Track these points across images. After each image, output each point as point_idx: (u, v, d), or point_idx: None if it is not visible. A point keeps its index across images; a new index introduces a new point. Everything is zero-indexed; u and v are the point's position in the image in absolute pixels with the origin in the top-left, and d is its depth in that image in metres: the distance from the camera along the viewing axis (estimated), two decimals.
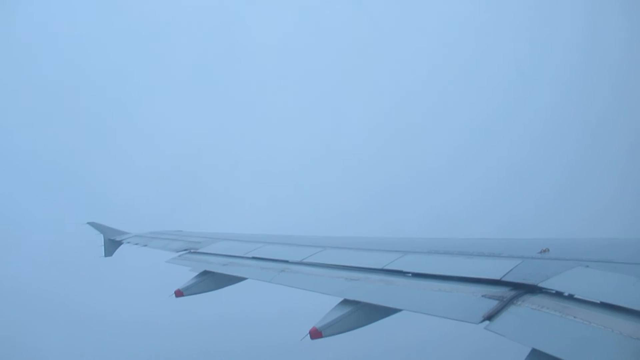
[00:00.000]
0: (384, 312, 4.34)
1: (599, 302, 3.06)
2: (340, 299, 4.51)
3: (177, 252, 7.76)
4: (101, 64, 33.39)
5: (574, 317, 2.99)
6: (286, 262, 5.83)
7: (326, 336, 4.25)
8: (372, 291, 4.48)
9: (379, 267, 4.85)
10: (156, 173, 32.09)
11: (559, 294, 3.33)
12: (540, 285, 3.45)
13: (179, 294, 6.21)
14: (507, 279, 3.72)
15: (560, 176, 30.67)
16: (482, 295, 3.61)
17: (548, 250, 4.16)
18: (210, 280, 6.36)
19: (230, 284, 6.28)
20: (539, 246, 4.25)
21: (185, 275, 6.51)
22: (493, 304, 3.43)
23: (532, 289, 3.48)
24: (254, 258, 6.41)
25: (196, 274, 6.50)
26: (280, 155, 33.98)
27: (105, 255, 10.39)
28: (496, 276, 3.80)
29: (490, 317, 3.31)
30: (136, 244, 9.60)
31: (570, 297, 3.24)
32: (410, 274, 4.54)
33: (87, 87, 32.61)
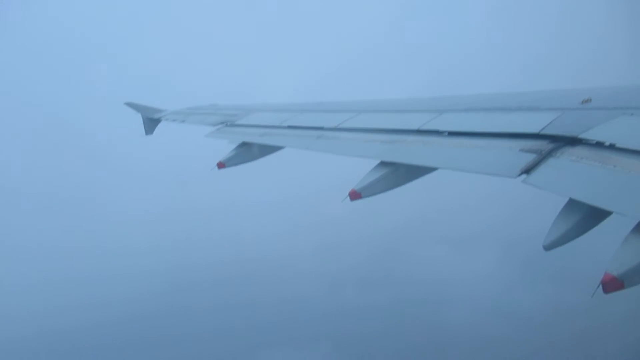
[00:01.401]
0: (421, 171, 4.41)
1: None
2: (377, 162, 4.59)
3: (215, 125, 7.89)
4: None
5: (614, 166, 2.96)
6: (321, 128, 5.86)
7: (365, 197, 4.40)
8: (408, 152, 4.51)
9: (415, 127, 4.82)
10: (182, 50, 31.63)
11: (599, 145, 3.27)
12: (581, 136, 3.39)
13: (221, 165, 6.45)
14: (546, 131, 3.66)
15: (599, 19, 28.38)
16: (520, 150, 3.59)
17: (590, 100, 4.00)
18: (249, 151, 6.53)
19: (269, 154, 6.44)
20: (580, 96, 4.08)
21: (225, 147, 6.69)
22: (531, 157, 3.42)
23: (571, 141, 3.43)
24: (289, 127, 6.47)
25: (235, 145, 6.67)
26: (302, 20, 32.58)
27: (146, 134, 10.66)
28: (535, 130, 3.74)
29: (527, 171, 3.32)
30: (174, 120, 9.79)
31: (612, 147, 3.18)
32: (446, 133, 4.52)
33: None
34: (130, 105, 10.89)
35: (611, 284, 2.43)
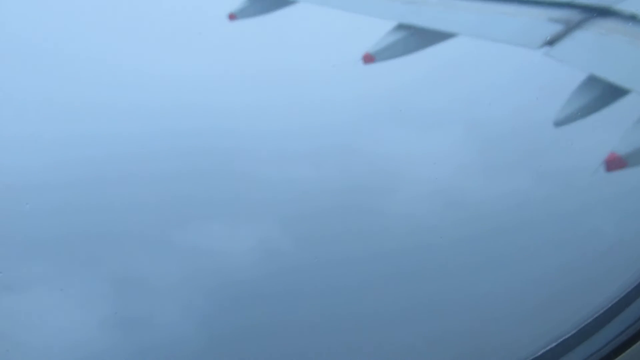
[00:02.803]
0: (439, 37, 4.22)
1: None
2: (395, 24, 4.38)
3: None
4: None
5: None
6: None
7: (379, 61, 4.28)
8: (429, 15, 4.29)
9: None
10: None
11: (633, 18, 3.08)
12: (615, 7, 3.17)
13: (232, 17, 6.20)
14: (578, 0, 3.43)
15: None
16: (548, 19, 3.39)
17: None
18: (262, 3, 6.23)
19: (282, 7, 6.15)
20: None
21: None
22: (558, 28, 3.25)
23: (604, 12, 3.22)
24: None
25: None
26: None
27: None
28: None
29: (551, 43, 3.17)
30: None
31: None
32: None
33: None
34: None
35: (614, 163, 2.45)
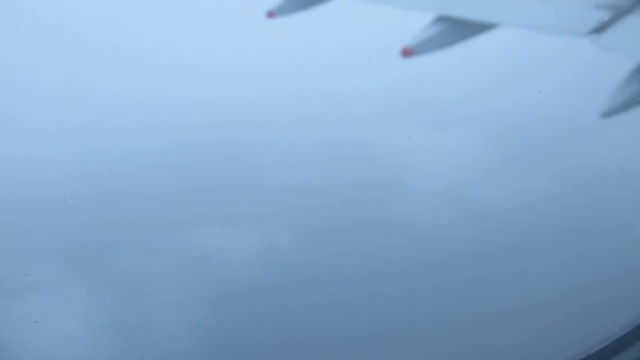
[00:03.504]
0: (481, 28, 4.14)
1: None
2: (434, 16, 4.33)
3: None
4: None
5: None
6: None
7: (418, 54, 4.24)
8: (468, 5, 4.21)
9: None
10: None
11: None
12: None
13: (271, 14, 6.25)
14: None
15: None
16: (595, 5, 3.28)
17: None
18: (298, 0, 6.25)
19: (321, 3, 6.15)
20: None
21: None
22: (605, 14, 3.14)
23: None
24: None
25: None
26: None
27: None
28: None
29: (599, 30, 3.07)
30: None
31: None
32: None
33: None
34: None
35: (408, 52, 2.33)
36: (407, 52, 4.26)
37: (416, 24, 4.37)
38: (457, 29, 4.23)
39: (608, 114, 2.95)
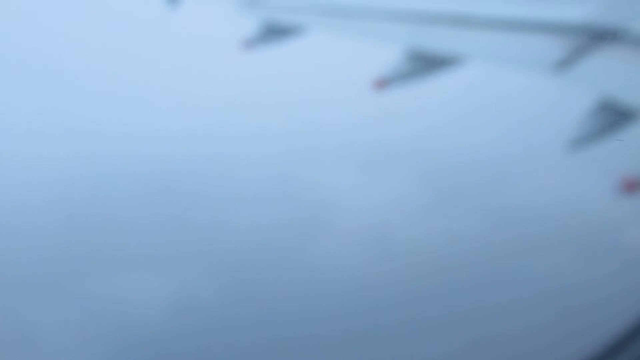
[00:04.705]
0: (449, 61, 4.24)
1: None
2: (406, 49, 4.41)
3: (239, 2, 7.58)
4: None
5: None
6: (350, 9, 5.61)
7: (389, 87, 4.30)
8: (437, 39, 4.32)
9: (448, 13, 4.56)
10: None
11: None
12: (628, 29, 3.16)
13: (245, 45, 6.30)
14: (590, 23, 3.42)
15: None
16: (558, 43, 3.39)
17: None
18: (274, 32, 6.32)
19: (295, 35, 6.24)
20: None
21: (250, 25, 6.48)
22: (569, 51, 3.24)
23: (614, 36, 3.20)
24: (317, 7, 6.18)
25: (259, 25, 6.45)
26: None
27: (168, 5, 10.34)
28: (578, 20, 3.50)
29: (563, 66, 3.16)
30: None
31: None
32: (481, 20, 4.27)
33: None
34: None
35: (631, 185, 2.40)
36: (379, 84, 4.32)
37: (388, 55, 4.45)
38: (427, 62, 4.32)
39: (573, 147, 3.01)
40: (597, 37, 3.24)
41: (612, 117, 2.87)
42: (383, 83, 4.31)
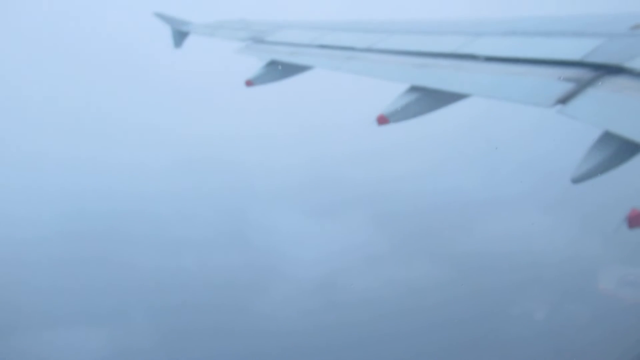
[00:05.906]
0: (452, 98, 4.29)
1: None
2: (408, 86, 4.47)
3: (243, 41, 7.73)
4: None
5: None
6: (352, 49, 5.69)
7: (393, 122, 4.33)
8: (440, 77, 4.38)
9: (449, 51, 4.64)
10: None
11: None
12: (625, 65, 3.21)
13: (249, 83, 6.39)
14: (589, 59, 3.47)
15: None
16: (559, 78, 3.44)
17: None
18: (278, 70, 6.43)
19: (298, 73, 6.33)
20: (630, 21, 3.81)
21: (254, 64, 6.60)
22: (569, 86, 3.28)
23: (615, 70, 3.25)
24: (320, 46, 6.29)
25: (264, 63, 6.56)
26: None
27: (175, 47, 10.55)
28: (576, 57, 3.55)
29: (564, 101, 3.20)
30: (203, 33, 9.63)
31: None
32: (482, 58, 4.33)
33: None
34: (160, 16, 10.71)
35: (636, 219, 2.39)
36: (382, 120, 4.36)
37: (391, 93, 4.51)
38: (429, 99, 4.37)
39: (578, 180, 3.02)
40: (597, 71, 3.28)
41: (615, 148, 2.89)
42: (386, 119, 4.36)
